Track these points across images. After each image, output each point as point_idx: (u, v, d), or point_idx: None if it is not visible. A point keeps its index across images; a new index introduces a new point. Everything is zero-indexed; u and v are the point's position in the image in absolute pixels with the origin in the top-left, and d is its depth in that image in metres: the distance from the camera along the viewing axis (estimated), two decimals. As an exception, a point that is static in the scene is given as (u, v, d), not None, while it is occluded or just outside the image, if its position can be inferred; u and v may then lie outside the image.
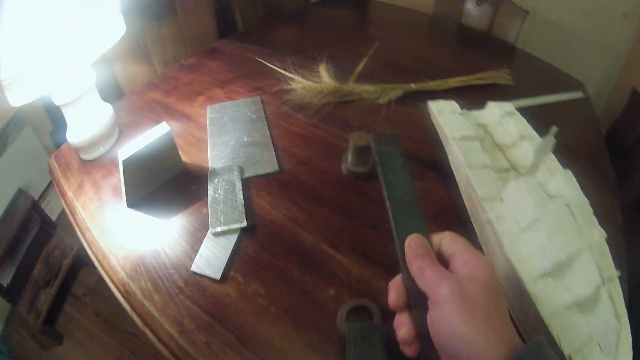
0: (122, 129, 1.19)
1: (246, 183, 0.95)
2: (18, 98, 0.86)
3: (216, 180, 0.92)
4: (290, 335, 0.69)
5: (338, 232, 0.85)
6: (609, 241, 0.75)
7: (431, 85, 1.36)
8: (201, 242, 0.82)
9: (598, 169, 1.16)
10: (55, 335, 1.93)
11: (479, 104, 1.18)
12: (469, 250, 0.46)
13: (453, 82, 1.39)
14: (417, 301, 0.45)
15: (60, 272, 1.96)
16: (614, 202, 1.04)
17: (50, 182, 2.30)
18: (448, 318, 0.40)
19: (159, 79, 1.44)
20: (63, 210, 2.41)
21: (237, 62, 1.50)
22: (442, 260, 0.46)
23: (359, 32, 1.91)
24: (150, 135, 0.88)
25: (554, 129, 0.80)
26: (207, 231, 0.83)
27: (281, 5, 2.29)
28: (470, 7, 2.28)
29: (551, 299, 0.64)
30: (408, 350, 0.46)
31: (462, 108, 1.09)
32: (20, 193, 2.11)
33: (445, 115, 1.03)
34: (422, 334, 0.44)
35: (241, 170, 0.95)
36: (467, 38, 2.10)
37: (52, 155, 1.17)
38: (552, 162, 0.91)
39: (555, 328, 0.61)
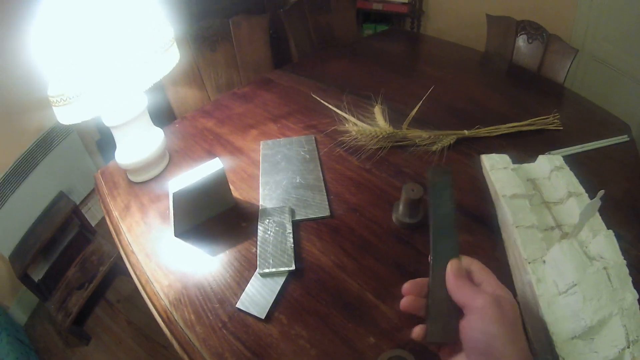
0: (172, 154, 1.26)
1: (296, 225, 0.99)
2: (67, 117, 0.93)
3: (267, 220, 0.97)
4: None
5: (384, 283, 0.88)
6: None
7: (483, 132, 1.39)
8: (247, 280, 0.86)
9: None
10: (83, 336, 2.01)
11: (529, 150, 1.23)
12: (497, 283, 0.53)
13: (504, 128, 1.42)
14: (443, 308, 0.52)
15: (96, 277, 2.04)
16: None
17: (93, 189, 2.45)
18: (486, 320, 0.48)
19: (212, 106, 1.51)
20: (104, 217, 2.52)
21: (291, 96, 1.55)
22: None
23: (412, 70, 1.95)
24: (203, 170, 0.94)
25: (600, 193, 0.81)
26: (255, 271, 0.88)
27: (335, 35, 2.36)
28: (521, 44, 2.32)
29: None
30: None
31: (513, 159, 1.12)
32: (62, 196, 2.22)
33: (497, 170, 1.07)
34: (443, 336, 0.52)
35: (292, 213, 1.00)
36: (517, 77, 2.12)
37: (99, 171, 1.25)
38: (595, 220, 0.93)
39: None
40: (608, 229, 0.91)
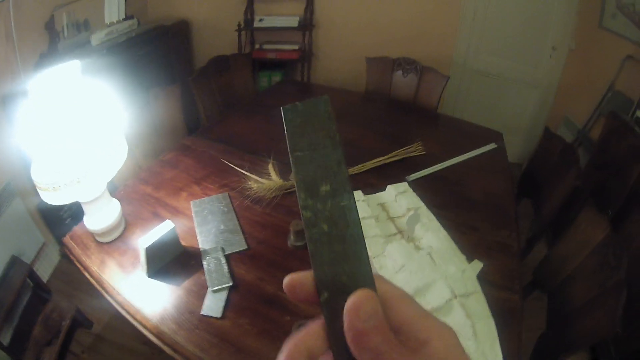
0: (126, 217, 1.84)
1: (227, 258, 1.62)
2: (53, 199, 1.47)
3: (207, 257, 1.59)
4: (267, 344, 1.35)
5: (289, 284, 1.57)
6: (502, 264, 1.53)
7: (352, 170, 2.03)
8: (204, 296, 1.48)
9: (499, 211, 1.84)
10: None
11: (391, 178, 1.92)
12: (430, 323, 0.37)
13: (370, 164, 2.08)
14: None
15: (60, 332, 2.42)
16: (511, 236, 1.72)
17: (41, 248, 2.93)
18: None
19: (146, 174, 2.13)
20: (53, 274, 3.12)
21: (206, 160, 2.21)
22: None
23: None
24: (161, 230, 1.55)
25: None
26: (207, 290, 1.50)
27: (236, 93, 3.01)
28: (397, 79, 2.94)
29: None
30: None
31: (376, 189, 1.83)
32: (14, 260, 2.58)
33: None
34: None
35: (223, 250, 1.63)
36: (394, 111, 2.77)
37: (68, 235, 1.78)
38: (430, 222, 1.65)
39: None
40: (466, 225, 1.67)
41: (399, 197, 1.81)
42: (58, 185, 1.44)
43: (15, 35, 2.77)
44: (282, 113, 0.42)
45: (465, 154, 2.18)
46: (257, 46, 4.14)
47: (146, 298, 1.52)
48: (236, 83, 3.08)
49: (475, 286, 1.43)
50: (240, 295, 1.51)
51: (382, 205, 1.80)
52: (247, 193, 1.95)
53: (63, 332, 2.43)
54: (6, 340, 2.42)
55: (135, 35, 3.82)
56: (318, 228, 0.38)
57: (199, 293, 1.51)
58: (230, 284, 1.51)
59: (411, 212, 1.71)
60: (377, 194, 1.86)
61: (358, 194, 1.83)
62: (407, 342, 0.35)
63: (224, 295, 1.50)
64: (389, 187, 1.87)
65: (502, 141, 2.31)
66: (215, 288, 1.50)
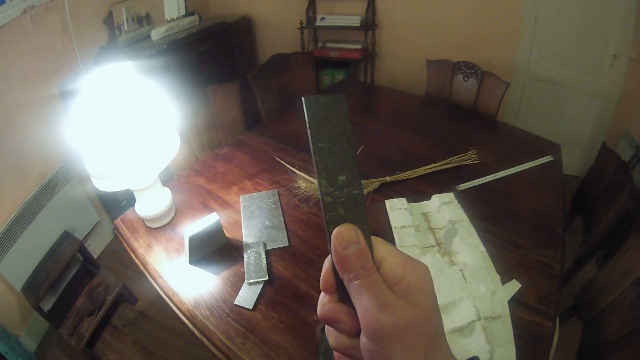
0: (177, 206, 1.91)
1: (268, 253, 1.66)
2: (104, 187, 1.54)
3: (249, 250, 1.64)
4: (291, 340, 1.38)
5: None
6: (541, 286, 1.46)
7: (403, 176, 2.03)
8: (239, 288, 1.53)
9: (545, 229, 1.77)
10: (94, 358, 2.51)
11: (441, 186, 1.90)
12: (404, 259, 0.45)
13: (420, 170, 2.05)
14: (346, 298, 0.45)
15: (104, 304, 2.55)
16: (555, 257, 1.63)
17: (95, 226, 3.09)
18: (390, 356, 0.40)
19: (200, 166, 2.20)
20: (104, 251, 3.32)
21: (260, 157, 2.25)
22: None
23: (355, 124, 2.55)
24: (206, 221, 1.60)
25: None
26: (244, 282, 1.54)
27: (296, 91, 3.03)
28: (458, 83, 2.88)
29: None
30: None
31: (425, 197, 1.80)
32: (67, 235, 2.74)
33: (394, 210, 1.75)
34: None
35: (264, 245, 1.67)
36: (451, 117, 2.72)
37: (119, 218, 1.87)
38: (470, 236, 1.61)
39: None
40: (510, 242, 1.61)
41: (443, 208, 1.78)
42: (109, 175, 1.51)
43: (72, 31, 2.89)
44: (304, 102, 0.48)
45: (519, 166, 2.12)
46: (319, 44, 4.16)
47: (185, 283, 1.58)
48: (297, 81, 3.09)
49: (503, 309, 1.38)
50: (274, 290, 1.54)
51: (425, 215, 1.79)
52: (296, 192, 1.99)
53: (107, 304, 2.55)
54: (47, 307, 2.51)
55: (196, 31, 3.86)
56: (336, 212, 0.46)
57: (236, 284, 1.56)
58: (266, 278, 1.55)
59: (450, 225, 1.67)
60: (421, 203, 1.84)
61: (401, 202, 1.82)
62: (386, 277, 0.43)
63: (258, 288, 1.53)
64: (434, 197, 1.84)
65: (559, 153, 2.22)
66: (251, 281, 1.54)
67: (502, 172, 2.08)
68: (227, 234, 1.75)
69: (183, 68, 3.59)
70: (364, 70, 4.11)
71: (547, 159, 2.15)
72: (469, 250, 1.57)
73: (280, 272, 1.61)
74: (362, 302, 0.41)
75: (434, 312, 0.43)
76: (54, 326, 2.50)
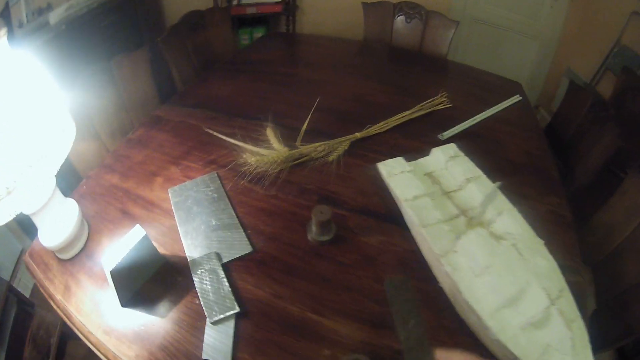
0: (90, 221, 1.35)
1: (226, 268, 1.14)
2: None
3: (199, 270, 1.11)
4: None
5: (319, 299, 1.07)
6: (560, 240, 1.15)
7: (374, 129, 1.61)
8: (203, 332, 1.01)
9: (542, 173, 1.49)
10: None
11: (422, 136, 1.57)
12: None
13: (393, 121, 1.67)
14: None
15: (50, 350, 2.15)
16: (561, 203, 1.38)
17: (19, 257, 2.57)
18: None
19: (112, 159, 1.62)
20: (35, 286, 2.63)
21: (184, 132, 1.70)
22: None
23: (293, 77, 2.19)
24: (128, 241, 1.07)
25: (497, 184, 1.13)
26: (206, 321, 1.02)
27: (214, 52, 2.57)
28: (400, 25, 2.60)
29: (508, 325, 0.89)
30: None
31: (407, 150, 1.40)
32: None
33: (394, 176, 1.27)
34: None
35: (219, 257, 1.15)
36: (399, 60, 2.42)
37: (27, 253, 1.32)
38: (498, 198, 1.19)
39: (515, 347, 0.86)
40: (516, 192, 1.22)
41: (451, 164, 1.34)
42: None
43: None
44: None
45: (494, 107, 1.85)
46: (234, 1, 3.69)
47: (124, 337, 1.06)
48: (214, 41, 2.63)
49: (561, 281, 1.01)
50: (253, 325, 1.04)
51: (431, 176, 1.32)
52: (243, 170, 1.46)
53: (53, 349, 2.21)
54: (-1, 366, 2.10)
55: (97, 6, 3.42)
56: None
57: (195, 326, 1.05)
58: (236, 309, 1.03)
59: (471, 184, 1.25)
60: (421, 160, 1.38)
61: (400, 163, 1.34)
62: None
63: (229, 327, 1.02)
64: (435, 151, 1.39)
65: (524, 92, 2.00)
66: (215, 319, 1.02)
67: (480, 114, 1.80)
68: (162, 250, 1.22)
69: (87, 47, 3.18)
70: (286, 24, 3.80)
71: (516, 98, 1.95)
72: (507, 214, 1.14)
73: (254, 295, 1.10)
74: None
75: None
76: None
